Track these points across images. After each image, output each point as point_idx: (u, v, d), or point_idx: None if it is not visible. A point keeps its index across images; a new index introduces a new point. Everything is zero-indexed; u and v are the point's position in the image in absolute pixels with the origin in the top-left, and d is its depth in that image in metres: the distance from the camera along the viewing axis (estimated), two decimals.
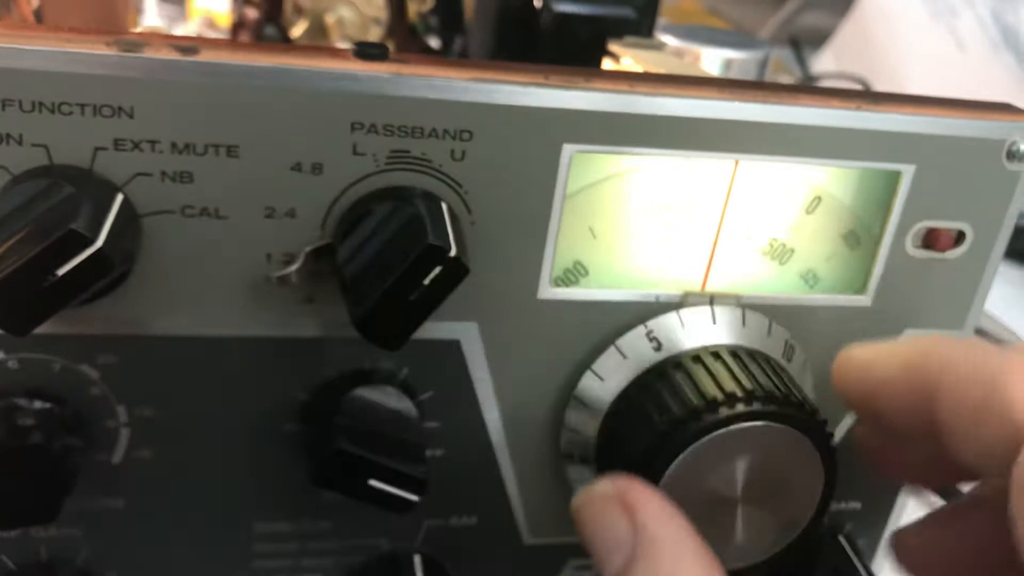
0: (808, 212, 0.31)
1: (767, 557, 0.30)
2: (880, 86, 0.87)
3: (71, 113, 0.24)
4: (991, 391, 0.24)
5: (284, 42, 0.55)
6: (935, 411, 0.25)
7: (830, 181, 0.31)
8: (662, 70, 0.35)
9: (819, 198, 0.31)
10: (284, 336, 0.28)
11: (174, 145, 0.25)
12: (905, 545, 0.30)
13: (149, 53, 0.24)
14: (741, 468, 0.28)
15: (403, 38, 0.58)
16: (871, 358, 0.28)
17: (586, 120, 0.27)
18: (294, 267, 0.27)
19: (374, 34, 0.55)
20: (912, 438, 0.27)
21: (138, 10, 0.76)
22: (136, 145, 0.25)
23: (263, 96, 0.25)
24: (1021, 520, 0.22)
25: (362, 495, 0.28)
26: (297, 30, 0.54)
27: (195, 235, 0.26)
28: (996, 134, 0.30)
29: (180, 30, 0.81)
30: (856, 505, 0.37)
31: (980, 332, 0.63)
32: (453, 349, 0.30)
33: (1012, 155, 0.31)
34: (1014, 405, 0.23)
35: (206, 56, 0.25)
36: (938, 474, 0.31)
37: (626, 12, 0.55)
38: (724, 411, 0.27)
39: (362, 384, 0.29)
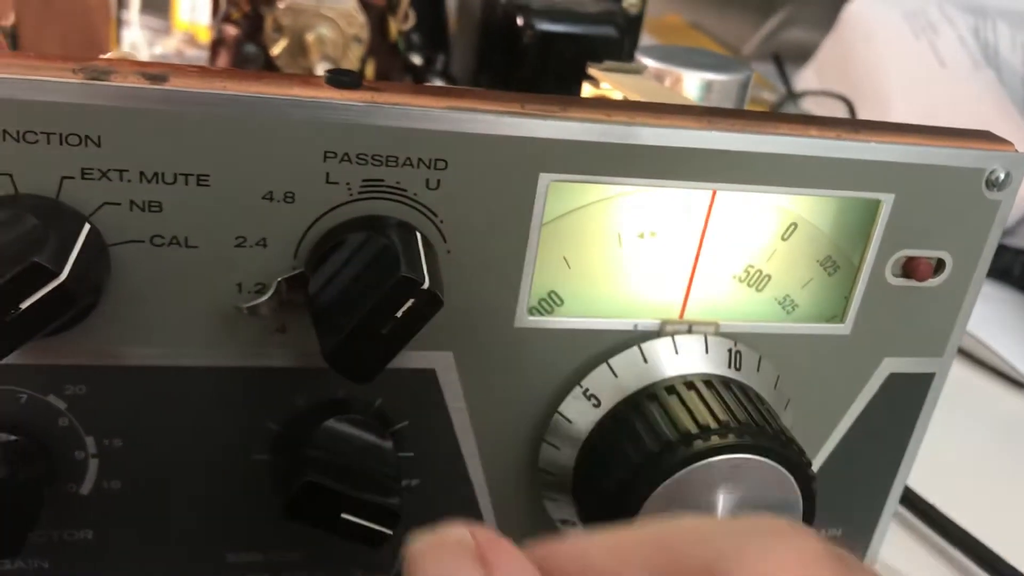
0: (783, 239, 0.31)
1: None
2: (863, 102, 0.87)
3: (37, 142, 0.24)
4: None
5: (264, 59, 0.55)
6: None
7: (806, 208, 0.31)
8: (642, 95, 0.35)
9: (795, 224, 0.31)
10: (255, 366, 0.28)
11: (142, 174, 0.25)
12: None
13: (117, 81, 0.24)
14: (719, 500, 0.28)
15: (384, 56, 0.58)
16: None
17: (563, 150, 0.27)
18: (265, 297, 0.26)
19: (355, 52, 0.54)
20: None
21: (121, 23, 0.76)
22: (104, 174, 0.24)
23: (234, 125, 0.25)
24: None
25: (334, 528, 0.27)
26: (277, 48, 0.53)
27: (165, 265, 0.26)
28: (976, 163, 0.30)
29: (161, 45, 0.81)
30: (837, 532, 0.37)
31: (960, 351, 0.63)
32: (428, 378, 0.29)
33: (992, 184, 0.31)
34: None
35: (175, 84, 0.24)
36: None
37: (608, 31, 0.55)
38: (699, 444, 0.27)
39: (335, 414, 0.28)
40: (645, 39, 0.60)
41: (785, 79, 1.00)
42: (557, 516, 0.32)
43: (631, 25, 0.57)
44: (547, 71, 0.54)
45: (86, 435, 0.28)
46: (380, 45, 0.57)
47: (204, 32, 0.76)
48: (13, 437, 0.27)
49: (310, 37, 0.52)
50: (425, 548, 0.21)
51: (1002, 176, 0.30)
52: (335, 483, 0.27)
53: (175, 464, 0.29)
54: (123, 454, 0.28)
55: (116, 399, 0.28)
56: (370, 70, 0.58)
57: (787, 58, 1.05)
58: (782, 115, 0.30)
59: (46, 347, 0.26)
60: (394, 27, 0.56)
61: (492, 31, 0.56)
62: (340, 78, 0.26)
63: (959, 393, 0.50)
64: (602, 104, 0.28)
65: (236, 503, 0.30)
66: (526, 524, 0.33)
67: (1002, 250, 0.73)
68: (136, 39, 0.80)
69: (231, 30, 0.53)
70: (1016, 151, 0.30)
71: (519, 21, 0.53)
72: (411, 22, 0.56)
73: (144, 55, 0.77)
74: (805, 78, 0.98)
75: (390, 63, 0.58)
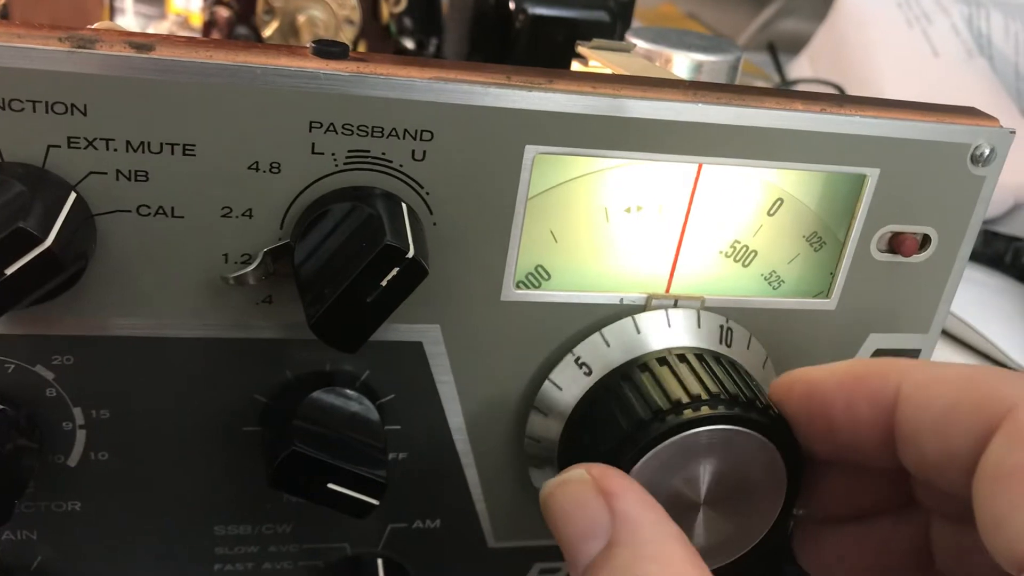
0: (769, 214, 0.31)
1: (731, 560, 0.30)
2: (855, 91, 0.87)
3: (22, 110, 0.24)
4: (963, 390, 0.24)
5: (256, 41, 0.55)
6: (895, 419, 0.25)
7: (793, 183, 0.31)
8: (629, 72, 0.35)
9: (781, 200, 0.31)
10: (242, 337, 0.28)
11: (129, 143, 0.25)
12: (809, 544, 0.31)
13: (103, 49, 0.24)
14: (705, 471, 0.28)
15: (376, 39, 0.58)
16: (816, 374, 0.27)
17: (549, 122, 0.27)
18: (251, 268, 0.26)
19: (347, 35, 0.54)
20: (857, 454, 0.27)
21: (114, 11, 0.76)
22: (90, 143, 0.25)
23: (220, 94, 0.25)
24: (986, 507, 0.22)
25: (320, 498, 0.27)
26: (268, 30, 0.53)
27: (151, 235, 0.26)
28: (961, 138, 0.30)
29: (153, 28, 0.81)
30: None
31: (949, 335, 0.63)
32: (415, 351, 0.29)
33: (977, 159, 0.31)
34: (988, 402, 0.23)
35: (161, 53, 0.24)
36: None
37: (600, 15, 0.55)
38: (688, 413, 0.27)
39: (322, 386, 0.29)
40: (636, 27, 0.60)
41: (779, 68, 1.00)
42: None
43: (623, 9, 0.56)
44: (539, 55, 0.54)
45: (74, 406, 0.28)
46: (372, 28, 0.57)
47: (197, 17, 0.75)
48: (0, 407, 0.27)
49: (301, 19, 0.52)
50: (553, 488, 0.25)
51: (987, 151, 0.31)
52: (321, 453, 0.27)
53: (162, 435, 0.29)
54: (111, 425, 0.28)
55: (103, 370, 0.28)
56: None
57: (782, 48, 1.05)
58: (768, 89, 0.30)
59: (33, 317, 0.26)
60: (386, 10, 0.56)
61: (484, 15, 0.56)
62: (327, 48, 0.26)
63: None
64: (589, 77, 0.28)
65: (224, 475, 0.30)
66: (512, 496, 0.33)
67: (994, 237, 0.73)
68: (129, 26, 0.80)
69: (223, 12, 0.53)
70: (1001, 126, 0.31)
71: (511, 5, 0.53)
72: (403, 5, 0.56)
73: None
74: (799, 67, 0.98)
75: (381, 46, 0.58)
